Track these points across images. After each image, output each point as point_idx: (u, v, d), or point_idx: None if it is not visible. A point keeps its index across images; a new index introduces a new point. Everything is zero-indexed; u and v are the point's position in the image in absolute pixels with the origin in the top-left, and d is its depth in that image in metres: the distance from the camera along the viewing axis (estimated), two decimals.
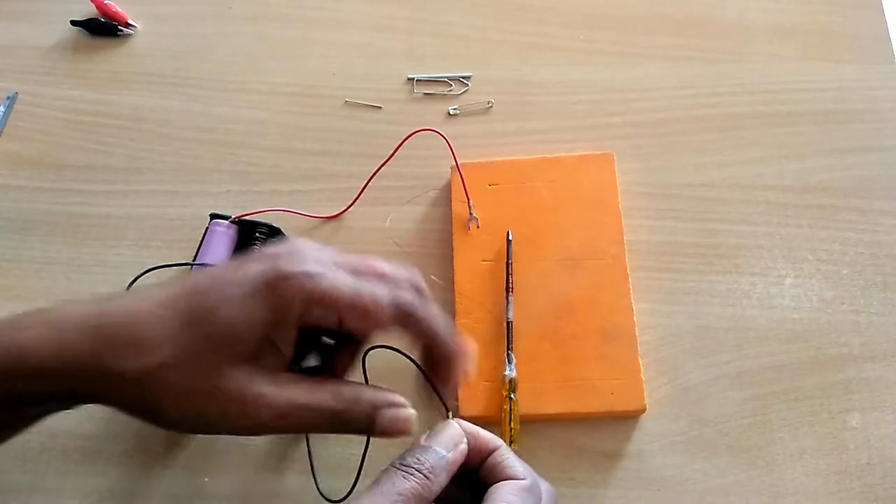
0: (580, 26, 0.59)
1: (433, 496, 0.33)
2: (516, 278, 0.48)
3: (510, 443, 0.43)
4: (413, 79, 0.58)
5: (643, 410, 0.45)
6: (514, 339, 0.46)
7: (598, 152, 0.52)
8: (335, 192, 0.54)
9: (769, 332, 0.48)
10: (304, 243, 0.33)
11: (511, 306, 0.47)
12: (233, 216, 0.51)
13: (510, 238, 0.48)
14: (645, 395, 0.45)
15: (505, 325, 0.46)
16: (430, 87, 0.57)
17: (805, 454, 0.45)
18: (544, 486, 0.34)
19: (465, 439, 0.35)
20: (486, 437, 0.34)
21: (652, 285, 0.49)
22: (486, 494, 0.32)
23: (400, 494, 0.32)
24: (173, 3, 0.62)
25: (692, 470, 0.45)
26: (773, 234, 0.51)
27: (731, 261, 0.50)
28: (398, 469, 0.33)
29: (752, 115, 0.55)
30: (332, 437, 0.47)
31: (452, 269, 0.49)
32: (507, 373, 0.45)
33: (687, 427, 0.46)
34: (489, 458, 0.34)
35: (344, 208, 0.53)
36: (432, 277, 0.50)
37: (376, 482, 0.32)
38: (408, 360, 0.40)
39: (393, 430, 0.34)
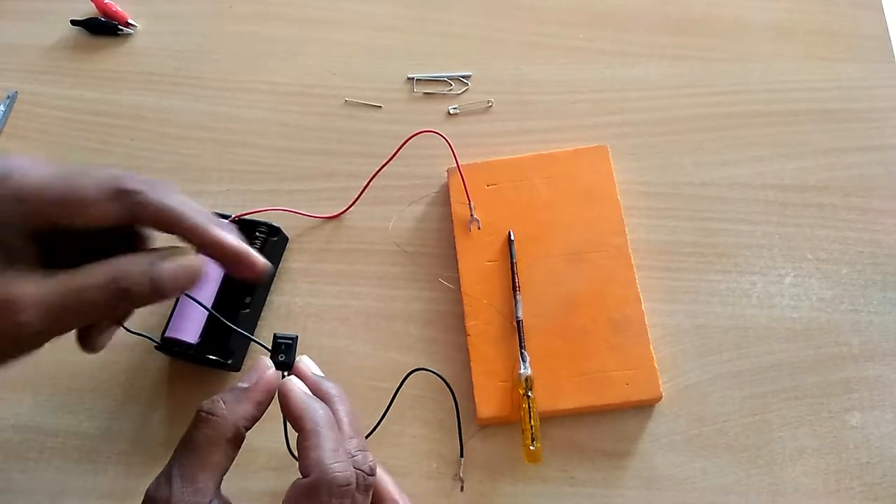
0: (580, 25, 0.59)
1: (234, 430, 0.33)
2: (522, 276, 0.48)
3: (532, 440, 0.43)
4: (413, 78, 0.58)
5: (659, 398, 0.45)
6: (525, 337, 0.46)
7: (592, 145, 0.52)
8: (335, 191, 0.54)
9: (769, 331, 0.48)
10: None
11: (520, 305, 0.47)
12: (233, 215, 0.51)
13: (512, 238, 0.48)
14: (660, 383, 0.45)
15: (515, 323, 0.46)
16: (429, 87, 0.58)
17: (805, 453, 0.45)
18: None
19: (271, 368, 0.35)
20: (290, 413, 0.34)
21: (651, 284, 0.49)
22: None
23: (191, 447, 0.32)
24: (173, 3, 0.62)
25: (692, 469, 0.45)
26: (772, 233, 0.51)
27: (731, 260, 0.50)
28: (194, 417, 0.33)
29: (752, 114, 0.55)
30: None
31: (457, 271, 0.49)
32: (522, 371, 0.45)
33: (687, 426, 0.46)
34: (299, 440, 0.33)
35: (344, 208, 0.53)
36: (440, 280, 0.50)
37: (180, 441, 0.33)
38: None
39: (182, 280, 0.32)
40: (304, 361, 0.37)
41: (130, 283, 0.30)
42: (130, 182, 0.31)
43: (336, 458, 0.32)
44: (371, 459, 0.34)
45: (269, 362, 0.36)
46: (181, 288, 0.32)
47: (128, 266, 0.30)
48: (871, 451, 0.45)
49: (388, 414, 0.47)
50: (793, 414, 0.46)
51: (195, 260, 0.32)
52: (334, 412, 0.34)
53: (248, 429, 0.34)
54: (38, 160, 0.30)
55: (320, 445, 0.32)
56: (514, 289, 0.47)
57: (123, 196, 0.30)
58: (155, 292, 0.31)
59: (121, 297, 0.30)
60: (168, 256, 0.31)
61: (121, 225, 0.31)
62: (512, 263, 0.48)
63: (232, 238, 0.33)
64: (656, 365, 0.46)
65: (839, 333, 0.48)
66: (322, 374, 0.37)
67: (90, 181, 0.30)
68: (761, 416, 0.46)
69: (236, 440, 0.33)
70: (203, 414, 0.33)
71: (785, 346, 0.48)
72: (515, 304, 0.47)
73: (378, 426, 0.46)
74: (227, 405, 0.33)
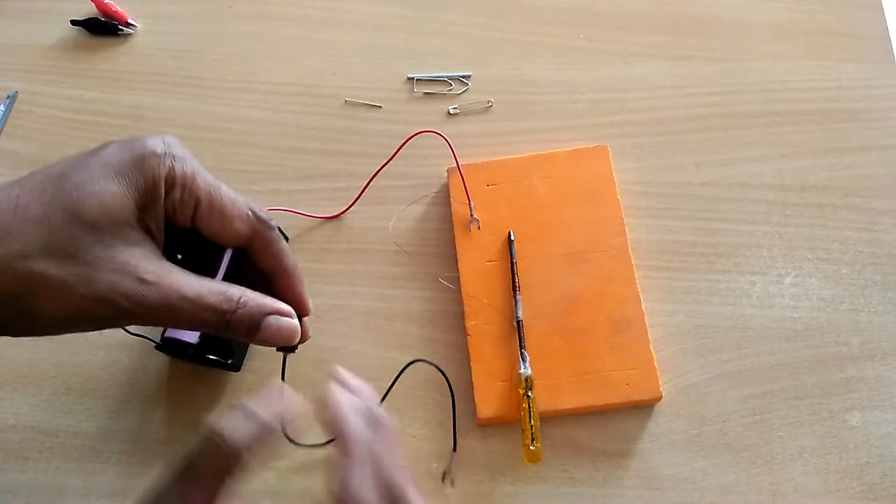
0: (580, 25, 0.59)
1: (237, 450, 0.32)
2: (522, 276, 0.48)
3: (532, 440, 0.43)
4: (413, 78, 0.58)
5: (659, 398, 0.46)
6: (525, 336, 0.46)
7: (592, 145, 0.52)
8: (335, 191, 0.54)
9: (769, 331, 0.48)
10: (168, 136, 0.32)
11: (520, 305, 0.47)
12: None
13: (512, 238, 0.48)
14: (660, 383, 0.45)
15: (515, 323, 0.47)
16: (429, 87, 0.58)
17: (805, 453, 0.45)
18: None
19: (282, 391, 0.34)
20: (336, 433, 0.34)
21: (652, 284, 0.49)
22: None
23: (199, 467, 0.32)
24: (173, 3, 0.62)
25: (692, 468, 0.45)
26: (772, 232, 0.51)
27: (731, 260, 0.50)
28: (201, 435, 0.33)
29: (752, 114, 0.55)
30: None
31: (457, 271, 0.49)
32: (522, 371, 0.45)
33: (687, 426, 0.46)
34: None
35: (344, 208, 0.53)
36: (440, 280, 0.50)
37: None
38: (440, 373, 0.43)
39: (277, 339, 0.33)
40: (345, 375, 0.37)
41: (238, 318, 0.31)
42: (266, 214, 0.33)
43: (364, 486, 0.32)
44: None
45: (282, 385, 0.36)
46: (271, 344, 0.33)
47: (241, 307, 0.31)
48: (871, 450, 0.45)
49: (387, 413, 0.47)
50: (793, 414, 0.46)
51: (296, 327, 0.33)
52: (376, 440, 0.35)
53: (252, 453, 0.33)
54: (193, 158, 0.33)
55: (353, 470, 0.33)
56: (515, 289, 0.47)
57: (258, 223, 0.33)
58: (248, 335, 0.32)
59: (221, 325, 0.31)
60: (279, 309, 0.33)
61: (229, 244, 0.33)
62: (512, 263, 0.48)
63: (309, 305, 0.36)
64: (656, 365, 0.46)
65: (839, 333, 0.48)
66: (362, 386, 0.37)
67: (237, 197, 0.32)
68: (761, 416, 0.46)
69: (238, 462, 0.33)
70: (208, 432, 0.33)
71: (785, 346, 0.48)
72: (515, 304, 0.47)
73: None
74: (233, 426, 0.33)
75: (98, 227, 0.29)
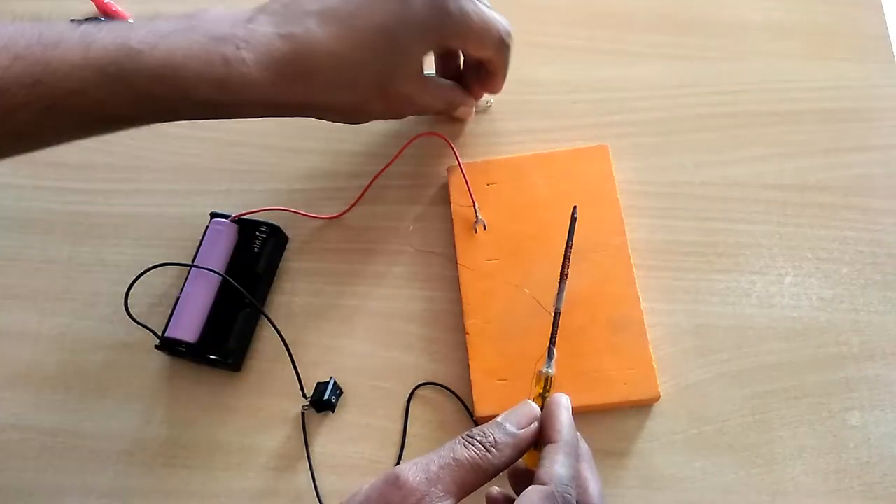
0: (580, 25, 0.59)
1: (495, 471, 0.33)
2: (521, 275, 0.48)
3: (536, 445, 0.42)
4: None
5: (657, 398, 0.45)
6: (521, 336, 0.46)
7: (592, 145, 0.52)
8: (335, 191, 0.54)
9: (769, 331, 0.48)
10: None
11: (563, 295, 0.42)
12: (233, 215, 0.51)
13: (575, 216, 0.43)
14: (658, 383, 0.45)
15: (552, 315, 0.42)
16: None
17: (805, 452, 0.45)
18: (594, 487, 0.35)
19: (538, 420, 0.35)
20: (552, 426, 0.35)
21: (651, 284, 0.49)
22: (517, 500, 0.32)
23: (455, 460, 0.32)
24: (173, 3, 0.62)
25: (692, 468, 0.45)
26: (772, 232, 0.51)
27: (731, 259, 0.50)
28: (462, 438, 0.33)
29: (752, 113, 0.55)
30: (330, 436, 0.47)
31: (457, 270, 0.49)
32: (545, 370, 0.40)
33: (687, 425, 0.46)
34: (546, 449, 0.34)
35: (346, 209, 0.53)
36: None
37: (437, 449, 0.32)
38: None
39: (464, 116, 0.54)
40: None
41: (453, 105, 0.52)
42: (509, 38, 0.47)
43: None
44: None
45: (537, 410, 0.37)
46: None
47: (457, 95, 0.51)
48: (871, 450, 0.45)
49: (387, 412, 0.47)
50: (793, 413, 0.46)
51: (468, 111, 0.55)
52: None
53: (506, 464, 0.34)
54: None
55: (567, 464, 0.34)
56: (562, 276, 0.43)
57: (502, 45, 0.47)
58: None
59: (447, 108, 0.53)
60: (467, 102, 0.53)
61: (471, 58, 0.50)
62: (567, 246, 0.43)
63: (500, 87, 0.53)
64: (654, 365, 0.45)
65: (839, 333, 0.48)
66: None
67: (492, 25, 0.46)
68: (761, 415, 0.46)
69: (491, 478, 0.33)
70: (475, 440, 0.33)
71: (785, 346, 0.48)
72: (559, 294, 0.42)
73: (402, 452, 0.46)
74: (500, 449, 0.33)
75: (409, 69, 0.46)
